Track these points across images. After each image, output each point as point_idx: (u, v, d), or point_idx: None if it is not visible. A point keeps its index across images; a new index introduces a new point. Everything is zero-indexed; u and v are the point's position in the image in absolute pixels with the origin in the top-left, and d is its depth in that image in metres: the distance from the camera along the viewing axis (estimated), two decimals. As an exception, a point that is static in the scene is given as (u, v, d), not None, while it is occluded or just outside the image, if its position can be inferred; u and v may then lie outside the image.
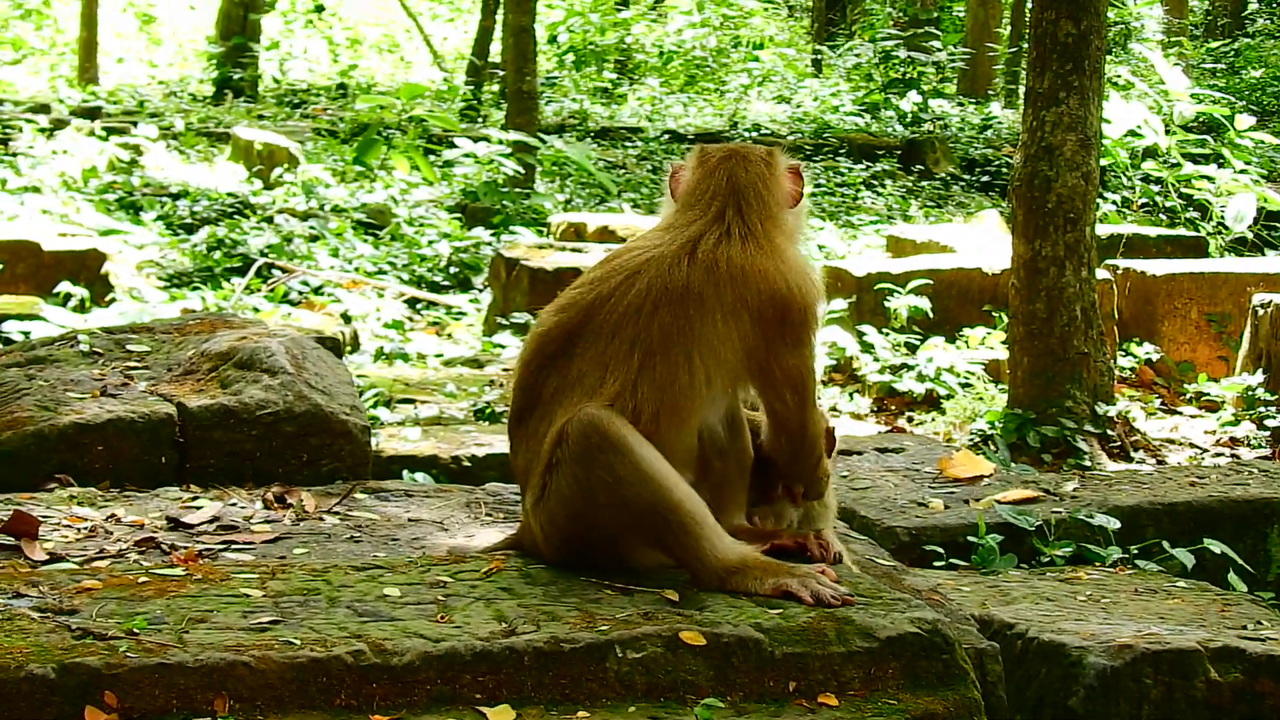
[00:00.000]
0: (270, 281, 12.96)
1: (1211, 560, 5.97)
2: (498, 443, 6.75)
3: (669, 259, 4.02)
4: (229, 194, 16.25)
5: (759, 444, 4.18)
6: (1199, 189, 15.75)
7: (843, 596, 3.84)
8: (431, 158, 17.99)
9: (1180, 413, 9.99)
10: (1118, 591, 5.35)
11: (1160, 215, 16.21)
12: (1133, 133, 16.04)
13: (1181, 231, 14.60)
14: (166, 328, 6.38)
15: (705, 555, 3.90)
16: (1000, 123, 23.38)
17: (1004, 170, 19.59)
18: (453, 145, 18.15)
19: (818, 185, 19.06)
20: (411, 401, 8.93)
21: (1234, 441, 9.41)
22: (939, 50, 25.33)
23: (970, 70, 26.49)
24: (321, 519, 4.96)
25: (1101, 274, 9.76)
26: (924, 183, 19.94)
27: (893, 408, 9.95)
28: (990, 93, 26.63)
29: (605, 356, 3.97)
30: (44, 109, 20.92)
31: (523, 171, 17.27)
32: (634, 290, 3.99)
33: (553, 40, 29.40)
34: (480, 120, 22.44)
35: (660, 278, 4.00)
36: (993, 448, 8.32)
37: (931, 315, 10.52)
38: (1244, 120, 16.82)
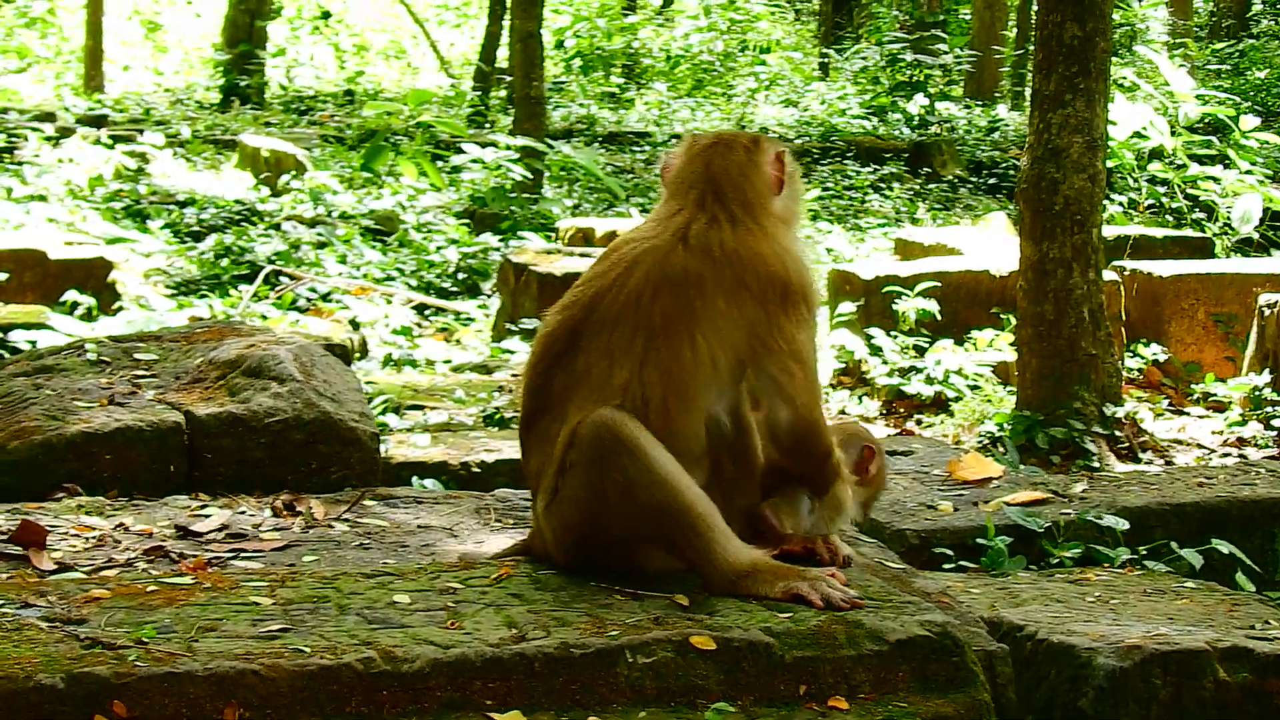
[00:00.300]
0: (278, 289, 12.96)
1: (1219, 560, 5.96)
2: (507, 448, 6.75)
3: (665, 247, 4.06)
4: (236, 201, 16.25)
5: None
6: (1205, 190, 15.73)
7: (852, 600, 3.84)
8: (439, 164, 17.99)
9: (1188, 413, 9.98)
10: (1126, 592, 5.35)
11: (1166, 216, 16.20)
12: (1138, 134, 16.03)
13: (1188, 232, 14.57)
14: (174, 336, 6.39)
15: (716, 559, 3.90)
16: (1007, 125, 23.36)
17: (1011, 172, 19.57)
18: (460, 151, 18.15)
19: (825, 188, 19.06)
20: (420, 408, 8.93)
21: (1241, 442, 9.40)
22: (945, 53, 25.33)
23: (976, 73, 26.48)
24: (331, 526, 4.97)
25: (1108, 275, 9.75)
26: (931, 185, 19.93)
27: (901, 410, 9.95)
28: (997, 95, 26.61)
29: (610, 347, 3.99)
30: (49, 117, 20.93)
31: (530, 177, 17.27)
32: (633, 279, 4.02)
33: (560, 45, 29.41)
34: (488, 126, 22.45)
35: (658, 265, 4.03)
36: (1001, 449, 8.32)
37: (939, 318, 10.51)
38: (1249, 121, 16.80)
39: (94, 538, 4.69)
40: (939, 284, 10.66)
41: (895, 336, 10.47)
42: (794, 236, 4.22)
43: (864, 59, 27.48)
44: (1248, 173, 15.83)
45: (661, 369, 3.95)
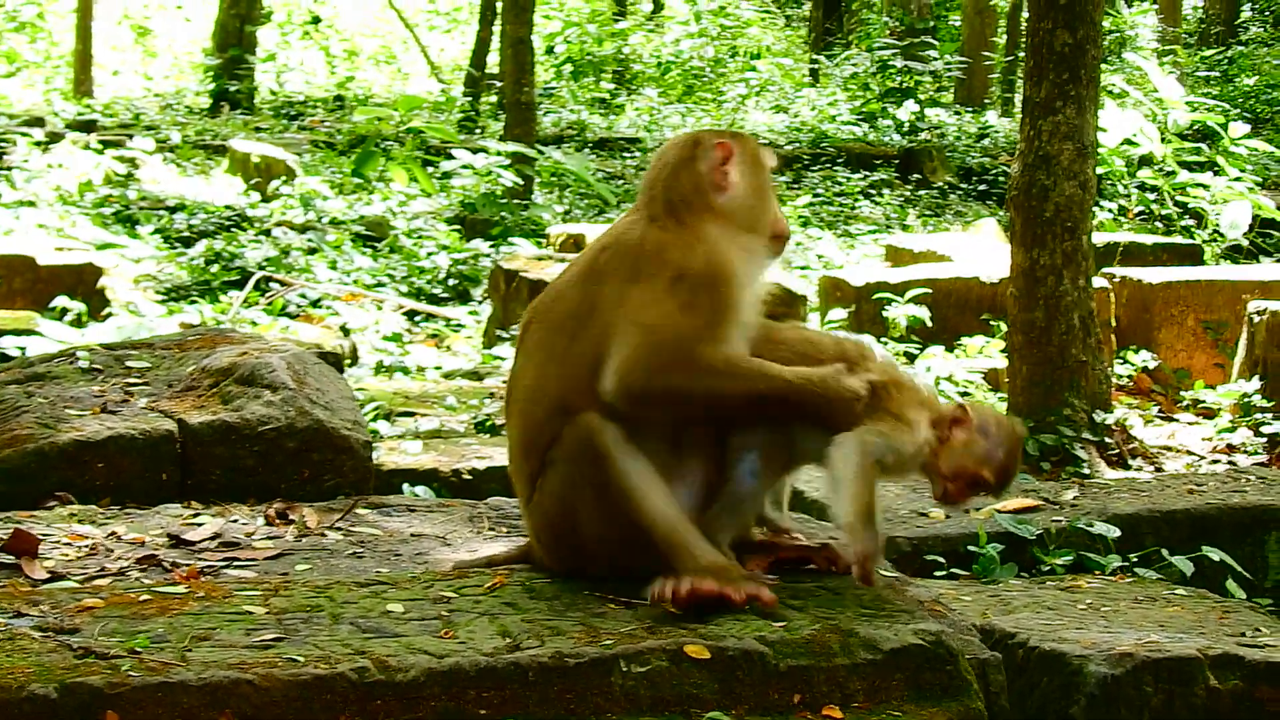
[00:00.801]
0: (268, 295, 12.96)
1: (1210, 567, 5.98)
2: (498, 455, 6.75)
3: (594, 248, 4.15)
4: (226, 207, 16.24)
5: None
6: (1194, 197, 15.75)
7: (747, 593, 3.82)
8: (429, 169, 17.99)
9: (1177, 420, 9.99)
10: (1118, 599, 5.36)
11: (1156, 223, 16.21)
12: (1128, 141, 16.05)
13: (1177, 239, 14.59)
14: (166, 343, 6.38)
15: (680, 570, 3.87)
16: (997, 131, 23.42)
17: (1001, 179, 19.61)
18: (451, 157, 18.16)
19: (816, 195, 19.09)
20: (411, 414, 8.92)
21: (1231, 448, 9.41)
22: (935, 60, 25.39)
23: (967, 79, 26.54)
24: (324, 535, 4.97)
25: (1099, 282, 9.76)
26: (921, 192, 19.96)
27: (892, 417, 9.94)
28: (987, 101, 26.67)
29: (529, 347, 4.09)
30: (39, 122, 20.92)
31: (521, 183, 17.28)
32: (559, 280, 4.15)
33: (550, 51, 29.42)
34: (478, 131, 22.44)
35: (581, 265, 4.13)
36: (992, 456, 8.31)
37: (930, 324, 10.53)
38: (1238, 128, 16.83)
39: (86, 546, 4.68)
40: (929, 290, 10.68)
41: (886, 343, 10.48)
42: (727, 234, 4.08)
43: (854, 65, 27.52)
44: (1237, 179, 15.85)
45: (557, 363, 3.99)
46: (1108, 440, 8.63)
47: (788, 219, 4.31)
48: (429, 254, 14.94)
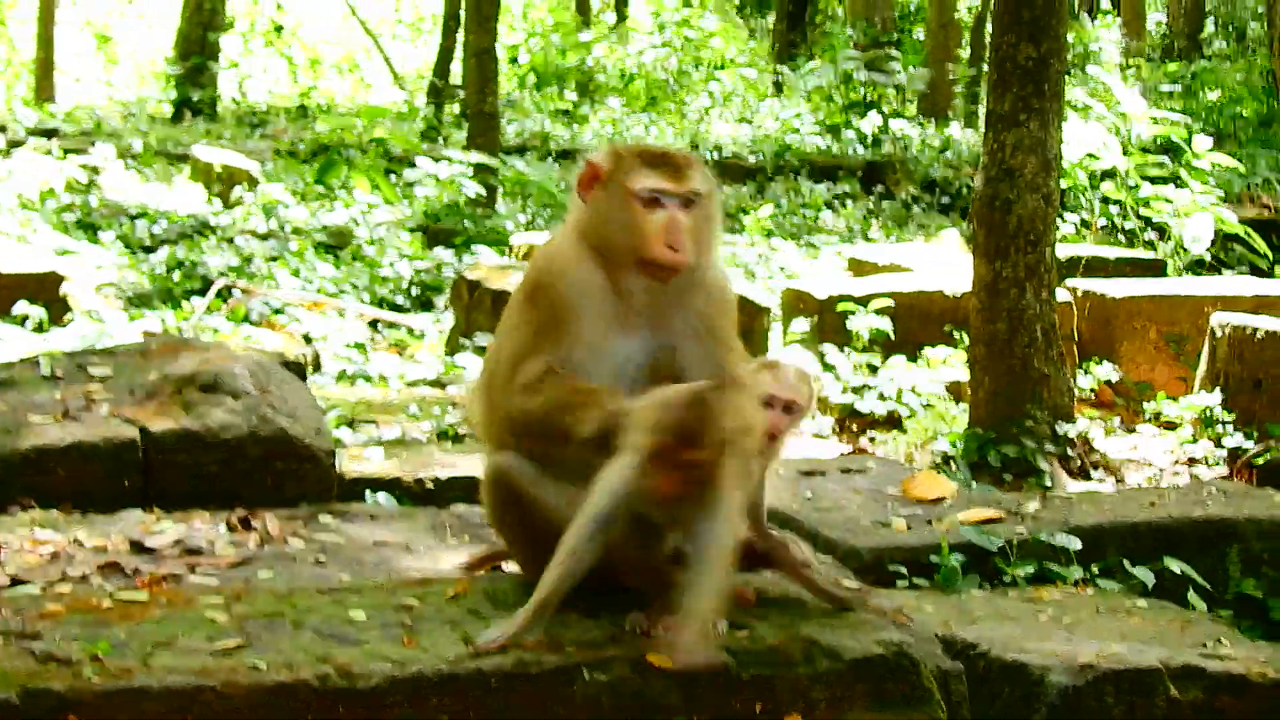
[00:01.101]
0: (230, 302, 12.91)
1: (1171, 579, 5.99)
2: (461, 464, 6.73)
3: None
4: (188, 214, 16.17)
5: None
6: (1157, 210, 15.83)
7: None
8: (392, 178, 17.96)
9: (1139, 432, 10.03)
10: (1079, 611, 5.38)
11: (1119, 236, 16.27)
12: (1091, 154, 16.12)
13: (1140, 253, 14.66)
14: (129, 351, 6.36)
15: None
16: (960, 144, 23.48)
17: (964, 191, 19.67)
18: (414, 166, 18.12)
19: (779, 206, 19.11)
20: (374, 422, 8.89)
21: (1192, 461, 9.45)
22: (899, 72, 25.45)
23: (930, 92, 26.59)
24: (286, 542, 4.96)
25: (1061, 295, 9.79)
26: (885, 203, 20.01)
27: (854, 428, 9.97)
28: (950, 114, 26.74)
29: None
30: (0, 129, 20.83)
31: (484, 192, 17.26)
32: None
33: (514, 61, 29.41)
34: (441, 141, 22.41)
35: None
36: (954, 467, 8.34)
37: (893, 336, 10.54)
38: (1201, 142, 16.91)
39: (48, 552, 4.66)
40: (892, 302, 10.69)
41: (849, 354, 10.50)
42: (589, 250, 4.05)
43: (818, 77, 27.55)
44: (1200, 193, 15.93)
45: (488, 369, 4.13)
46: (1070, 452, 8.66)
47: (681, 247, 3.97)
48: (391, 263, 14.90)
